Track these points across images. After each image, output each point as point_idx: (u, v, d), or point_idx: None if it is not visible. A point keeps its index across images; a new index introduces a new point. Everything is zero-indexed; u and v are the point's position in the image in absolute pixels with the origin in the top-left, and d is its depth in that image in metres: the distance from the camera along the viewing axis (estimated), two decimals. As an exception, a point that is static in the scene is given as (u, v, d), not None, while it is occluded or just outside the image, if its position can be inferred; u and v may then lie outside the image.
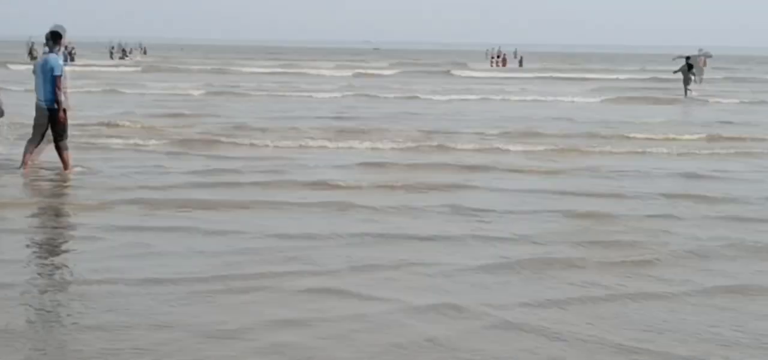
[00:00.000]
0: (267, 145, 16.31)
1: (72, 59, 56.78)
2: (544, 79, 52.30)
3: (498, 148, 16.67)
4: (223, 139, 16.81)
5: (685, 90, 36.43)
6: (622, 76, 56.79)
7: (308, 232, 8.99)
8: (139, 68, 55.54)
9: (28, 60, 56.03)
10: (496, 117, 23.96)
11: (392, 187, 11.95)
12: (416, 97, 32.22)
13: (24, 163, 12.33)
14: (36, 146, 12.47)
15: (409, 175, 13.00)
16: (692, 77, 37.03)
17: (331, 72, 56.27)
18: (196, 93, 31.96)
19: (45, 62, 12.32)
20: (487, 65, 77.82)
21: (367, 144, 16.70)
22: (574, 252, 8.48)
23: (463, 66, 73.49)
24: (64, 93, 12.27)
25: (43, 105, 12.28)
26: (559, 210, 10.55)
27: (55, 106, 12.23)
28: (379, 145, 16.67)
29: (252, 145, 16.36)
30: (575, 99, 33.54)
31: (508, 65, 77.10)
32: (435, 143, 16.99)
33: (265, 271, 7.45)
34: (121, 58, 79.45)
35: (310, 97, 31.48)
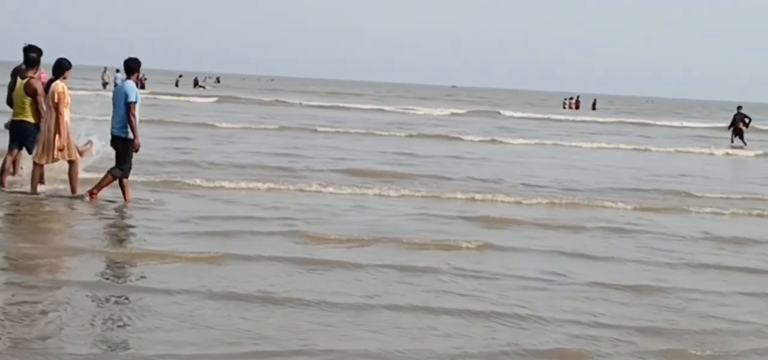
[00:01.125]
0: (288, 189, 14.48)
1: (143, 88, 56.58)
2: (593, 123, 50.13)
3: (526, 202, 14.57)
4: (232, 179, 15.07)
5: (732, 139, 35.48)
6: (693, 125, 54.10)
7: (278, 296, 7.52)
8: (212, 99, 54.19)
9: (102, 88, 55.86)
10: (523, 163, 22.17)
11: (405, 244, 10.24)
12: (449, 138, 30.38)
13: (125, 196, 12.15)
14: (125, 176, 12.20)
15: (431, 228, 11.42)
16: (743, 127, 35.74)
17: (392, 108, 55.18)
18: (252, 126, 30.53)
19: (120, 89, 12.15)
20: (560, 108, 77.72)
21: (392, 191, 14.83)
22: (623, 341, 6.79)
23: (529, 107, 71.90)
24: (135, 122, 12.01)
25: (115, 133, 12.06)
26: (601, 281, 8.87)
27: (125, 134, 11.99)
28: (402, 191, 14.84)
29: (270, 189, 14.43)
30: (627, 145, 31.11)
31: (582, 108, 76.54)
32: (465, 194, 14.91)
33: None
34: (194, 86, 79.57)
35: (371, 134, 30.07)
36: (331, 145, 23.81)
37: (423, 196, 14.47)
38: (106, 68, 63.57)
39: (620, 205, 14.57)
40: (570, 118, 55.19)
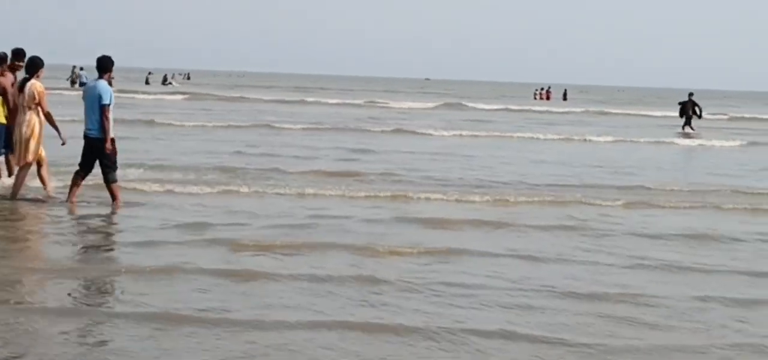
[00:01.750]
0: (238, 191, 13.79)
1: (110, 85, 55.37)
2: (561, 114, 49.46)
3: (481, 200, 13.75)
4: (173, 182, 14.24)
5: (684, 125, 35.89)
6: (656, 114, 53.33)
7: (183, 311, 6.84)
8: (178, 97, 52.46)
9: (70, 87, 54.93)
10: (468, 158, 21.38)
11: (347, 249, 9.53)
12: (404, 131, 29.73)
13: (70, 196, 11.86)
14: (82, 178, 11.96)
15: (378, 232, 10.69)
16: (693, 114, 35.92)
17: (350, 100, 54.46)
18: (214, 124, 29.53)
19: (93, 89, 11.78)
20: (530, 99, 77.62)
21: (343, 191, 14.07)
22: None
23: (502, 98, 71.25)
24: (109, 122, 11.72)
25: (91, 135, 11.74)
26: (553, 288, 8.16)
27: (101, 135, 11.67)
28: (354, 192, 13.99)
29: (221, 192, 13.63)
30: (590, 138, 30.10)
31: (552, 99, 76.43)
32: (420, 194, 14.05)
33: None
34: (162, 83, 78.36)
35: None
36: (289, 143, 23.09)
37: (375, 197, 13.69)
38: (74, 67, 62.73)
39: (581, 200, 13.93)
40: (538, 109, 54.71)
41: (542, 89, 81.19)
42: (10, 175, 12.47)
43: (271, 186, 14.27)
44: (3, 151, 12.45)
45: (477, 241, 10.42)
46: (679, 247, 10.51)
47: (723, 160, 24.07)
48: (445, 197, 13.84)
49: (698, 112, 35.88)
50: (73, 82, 58.17)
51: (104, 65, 11.78)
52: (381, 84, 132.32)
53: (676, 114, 37.43)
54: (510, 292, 7.94)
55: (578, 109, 55.32)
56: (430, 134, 28.96)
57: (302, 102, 52.65)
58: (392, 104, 53.49)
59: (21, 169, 11.88)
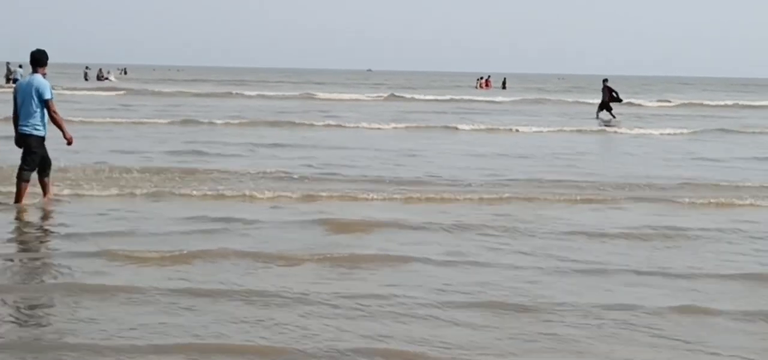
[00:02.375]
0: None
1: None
2: (497, 103, 49.24)
3: (362, 198, 13.02)
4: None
5: (598, 112, 35.71)
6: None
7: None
8: (113, 93, 50.83)
9: (4, 84, 53.76)
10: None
11: (239, 256, 8.80)
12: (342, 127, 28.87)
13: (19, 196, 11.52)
14: (45, 175, 11.80)
15: (285, 237, 9.95)
16: (609, 100, 35.64)
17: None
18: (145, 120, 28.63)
19: (28, 85, 11.45)
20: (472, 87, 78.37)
21: (247, 190, 13.29)
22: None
23: (444, 89, 71.22)
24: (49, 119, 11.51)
25: (26, 131, 11.41)
26: (472, 299, 7.43)
27: (34, 132, 11.41)
28: (259, 193, 13.13)
29: (130, 194, 12.89)
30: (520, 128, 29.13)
31: (492, 88, 77.35)
32: (329, 193, 13.25)
33: None
34: (97, 79, 76.80)
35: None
36: (210, 139, 22.25)
37: (288, 197, 12.85)
38: (9, 63, 61.58)
39: (511, 196, 13.25)
40: (478, 98, 54.56)
41: (482, 78, 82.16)
42: None
43: (183, 186, 13.49)
44: None
45: (393, 244, 9.65)
46: (614, 248, 9.79)
47: (661, 150, 23.35)
48: (366, 196, 13.07)
49: (615, 96, 35.48)
50: (7, 79, 56.94)
51: (40, 59, 11.46)
52: (321, 76, 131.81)
53: (614, 102, 37.08)
54: (422, 305, 7.17)
55: (516, 98, 55.15)
56: (361, 127, 28.24)
57: (234, 95, 51.71)
58: (326, 96, 52.67)
59: None
